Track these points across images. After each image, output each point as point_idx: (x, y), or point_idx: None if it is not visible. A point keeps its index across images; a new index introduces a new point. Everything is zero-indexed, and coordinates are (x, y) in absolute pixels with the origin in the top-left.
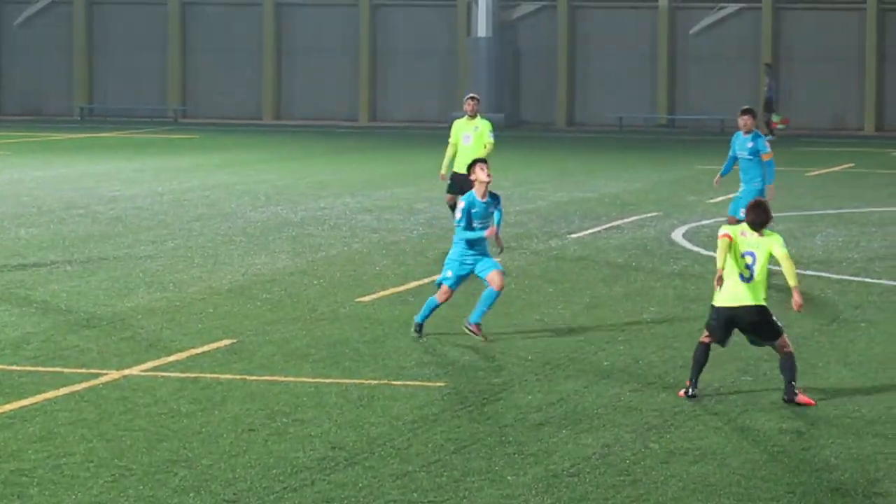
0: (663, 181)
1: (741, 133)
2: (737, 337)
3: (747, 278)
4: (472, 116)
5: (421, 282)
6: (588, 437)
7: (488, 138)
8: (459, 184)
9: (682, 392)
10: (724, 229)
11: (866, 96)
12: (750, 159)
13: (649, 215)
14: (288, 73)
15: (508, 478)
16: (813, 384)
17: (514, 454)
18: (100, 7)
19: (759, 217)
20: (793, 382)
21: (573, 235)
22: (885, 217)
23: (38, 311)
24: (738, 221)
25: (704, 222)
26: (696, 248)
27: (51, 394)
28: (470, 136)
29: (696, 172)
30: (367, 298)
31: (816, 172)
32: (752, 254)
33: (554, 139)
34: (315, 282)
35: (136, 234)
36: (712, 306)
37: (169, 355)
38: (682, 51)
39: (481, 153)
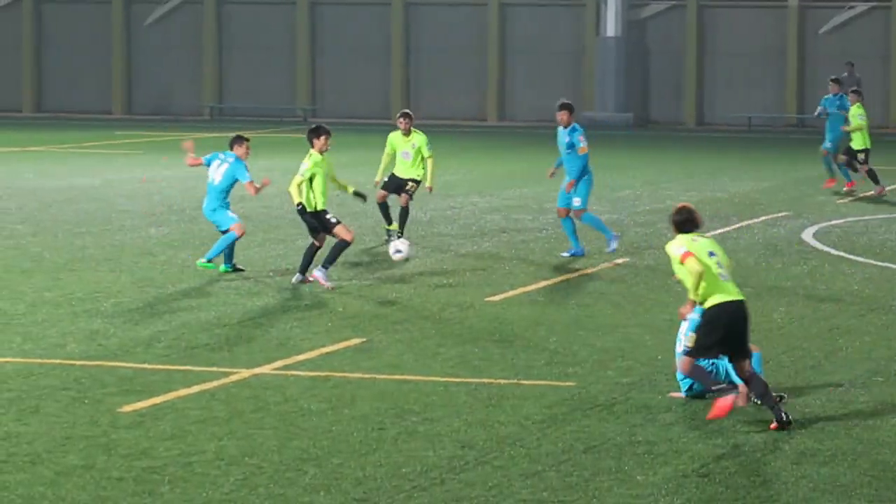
0: (793, 181)
1: (560, 128)
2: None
3: (725, 276)
4: (407, 133)
5: (550, 281)
6: (717, 438)
7: (427, 153)
8: (395, 184)
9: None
10: (681, 247)
11: None
12: (568, 153)
13: (779, 215)
14: (415, 73)
15: (638, 477)
16: None
17: (644, 454)
18: (228, 7)
19: (692, 218)
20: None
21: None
22: None
23: (168, 310)
24: (568, 212)
25: (835, 222)
26: (826, 248)
27: (181, 392)
28: (409, 154)
29: (825, 172)
30: (496, 298)
31: None
32: (712, 253)
33: (682, 139)
34: (444, 281)
35: (266, 234)
36: (705, 311)
37: (298, 354)
38: (811, 50)
39: (421, 167)
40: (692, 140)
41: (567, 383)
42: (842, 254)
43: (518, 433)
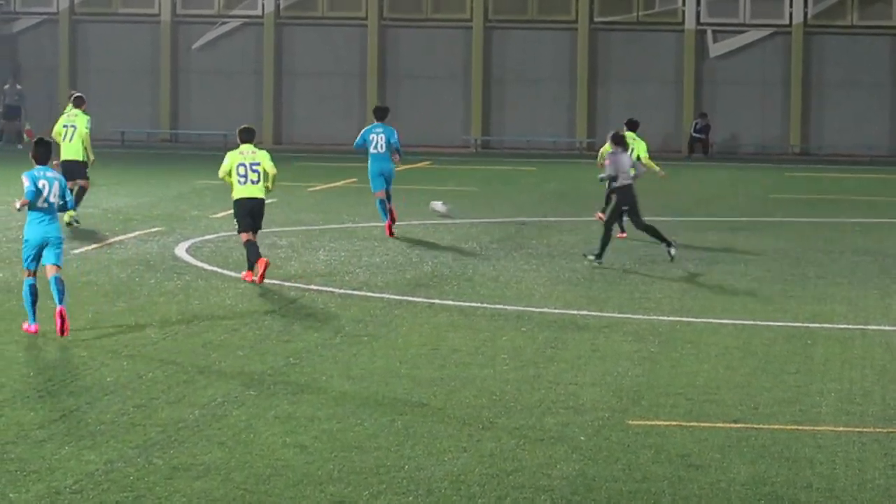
0: (166, 197)
1: None
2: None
3: (255, 181)
4: None
5: None
6: (91, 454)
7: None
8: None
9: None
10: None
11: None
12: None
13: (152, 230)
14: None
15: (10, 495)
16: (316, 397)
17: (16, 471)
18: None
19: (249, 135)
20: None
21: (75, 251)
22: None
23: None
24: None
25: (208, 237)
26: (199, 264)
27: None
28: None
29: (197, 188)
30: None
31: (319, 188)
32: (258, 163)
33: None
34: None
35: None
36: (235, 202)
37: None
38: (184, 66)
39: None
40: None
41: None
42: (215, 269)
43: None
